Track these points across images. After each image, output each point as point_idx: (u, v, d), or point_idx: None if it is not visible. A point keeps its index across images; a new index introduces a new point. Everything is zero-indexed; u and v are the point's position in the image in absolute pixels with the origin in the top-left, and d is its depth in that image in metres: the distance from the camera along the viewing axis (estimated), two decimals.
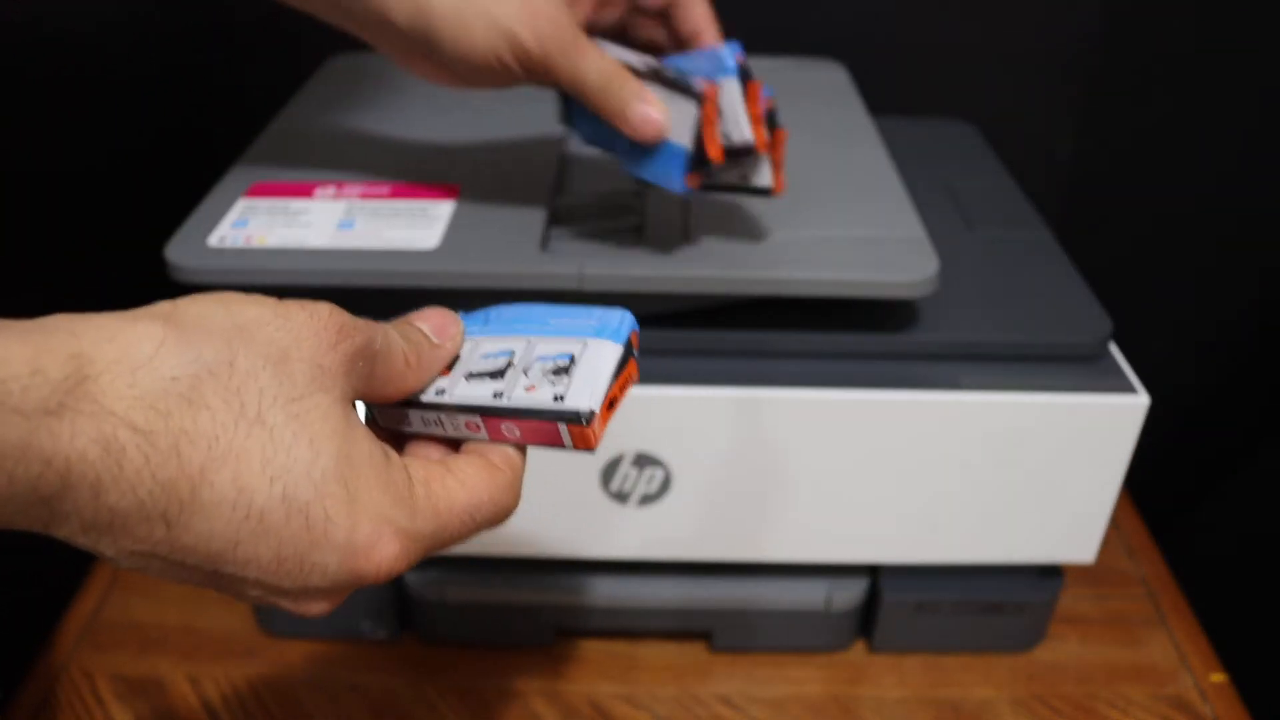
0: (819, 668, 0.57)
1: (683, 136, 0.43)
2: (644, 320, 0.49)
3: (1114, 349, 0.51)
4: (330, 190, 0.51)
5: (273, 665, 0.57)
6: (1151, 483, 0.69)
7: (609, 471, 0.50)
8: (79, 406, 0.23)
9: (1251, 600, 0.68)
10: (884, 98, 0.67)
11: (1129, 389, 0.48)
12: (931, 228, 0.50)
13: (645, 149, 0.44)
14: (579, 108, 0.44)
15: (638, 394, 0.47)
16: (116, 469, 0.23)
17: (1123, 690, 0.57)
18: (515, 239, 0.48)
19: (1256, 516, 0.72)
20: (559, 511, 0.51)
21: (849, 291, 0.46)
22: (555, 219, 0.50)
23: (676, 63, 0.45)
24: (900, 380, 0.48)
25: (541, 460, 0.49)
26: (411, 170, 0.53)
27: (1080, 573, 0.62)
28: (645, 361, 0.49)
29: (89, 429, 0.23)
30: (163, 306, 0.26)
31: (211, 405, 0.25)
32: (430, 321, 0.33)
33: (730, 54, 0.44)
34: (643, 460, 0.49)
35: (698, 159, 0.43)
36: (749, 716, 0.55)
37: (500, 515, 0.32)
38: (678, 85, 0.42)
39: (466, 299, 0.49)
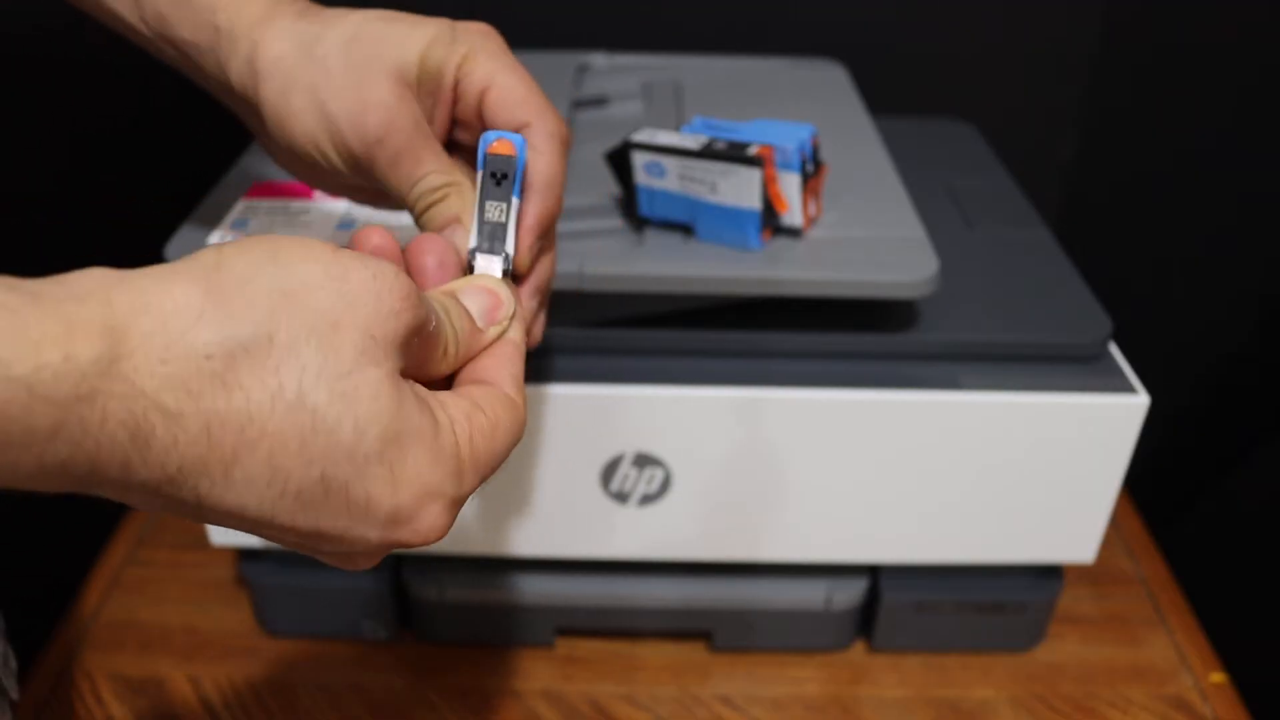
0: (819, 667, 0.57)
1: (752, 199, 0.46)
2: (644, 320, 0.49)
3: (1114, 349, 0.51)
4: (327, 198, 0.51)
5: (273, 665, 0.57)
6: (1151, 483, 0.69)
7: (609, 471, 0.50)
8: (110, 389, 0.22)
9: (1251, 600, 0.68)
10: (884, 98, 0.67)
11: (1129, 389, 0.48)
12: (931, 228, 0.50)
13: (719, 218, 0.47)
14: (645, 190, 0.48)
15: (638, 394, 0.47)
16: (145, 449, 0.22)
17: (1122, 690, 0.57)
18: None
19: (1256, 516, 0.72)
20: (559, 511, 0.51)
21: (849, 291, 0.46)
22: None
23: (741, 132, 0.47)
24: (900, 380, 0.48)
25: (542, 460, 0.49)
26: None
27: (1080, 573, 0.62)
28: (646, 361, 0.49)
29: (118, 412, 0.22)
30: (207, 257, 0.24)
31: (246, 386, 0.23)
32: (480, 302, 0.32)
33: (797, 149, 0.46)
34: (643, 460, 0.49)
35: (767, 215, 0.46)
36: (749, 716, 0.55)
37: (512, 448, 0.31)
38: (733, 155, 0.45)
39: None
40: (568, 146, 0.36)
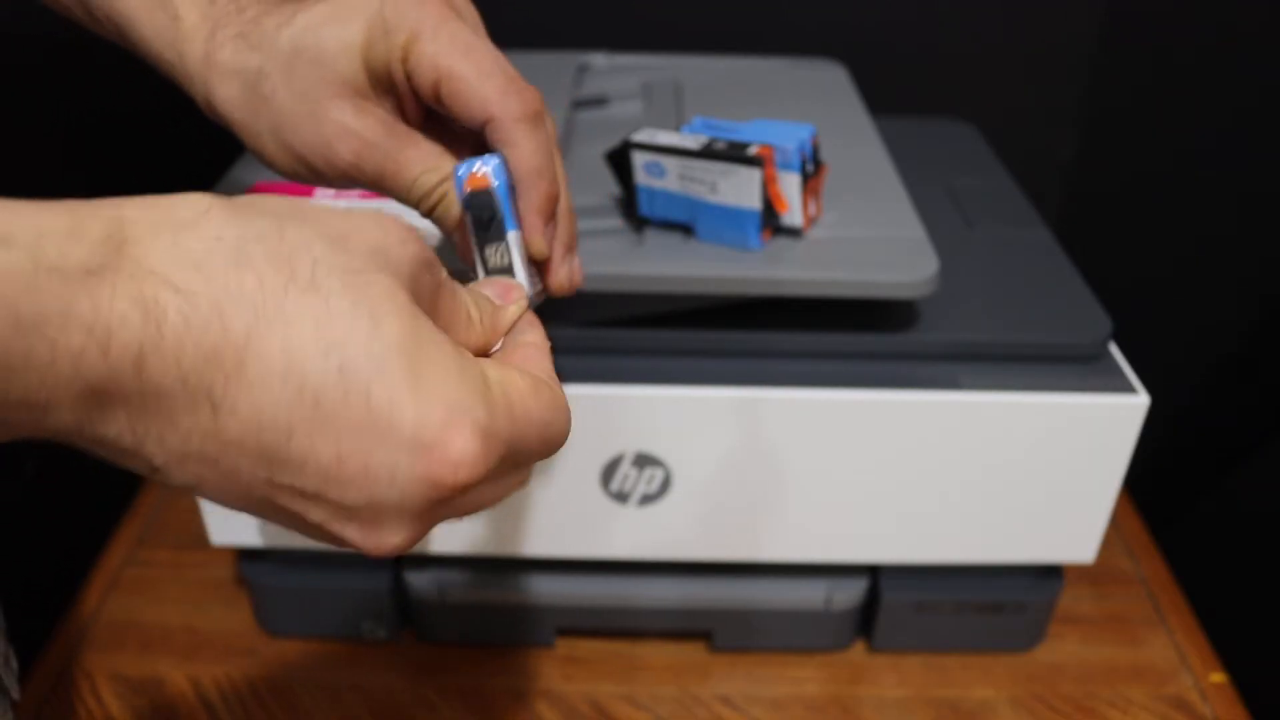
0: (819, 667, 0.57)
1: (752, 199, 0.45)
2: (644, 320, 0.49)
3: (1114, 349, 0.51)
4: (330, 190, 0.51)
5: (273, 665, 0.57)
6: (1151, 483, 0.69)
7: (609, 471, 0.50)
8: (119, 265, 0.21)
9: (1251, 600, 0.68)
10: (884, 98, 0.67)
11: (1129, 389, 0.48)
12: (931, 228, 0.50)
13: (719, 218, 0.47)
14: (645, 190, 0.48)
15: (638, 394, 0.47)
16: (157, 335, 0.21)
17: (1122, 690, 0.57)
18: None
19: (1256, 516, 0.72)
20: (559, 511, 0.51)
21: (849, 291, 0.46)
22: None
23: (741, 132, 0.47)
24: (900, 380, 0.48)
25: (542, 460, 0.49)
26: None
27: (1080, 573, 0.62)
28: (646, 361, 0.49)
29: (129, 289, 0.21)
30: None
31: (259, 268, 0.23)
32: (491, 288, 0.31)
33: (797, 149, 0.46)
34: (643, 460, 0.49)
35: (767, 215, 0.46)
36: (749, 716, 0.55)
37: (559, 442, 0.29)
38: (733, 155, 0.45)
39: None
40: (542, 118, 0.34)
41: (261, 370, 0.22)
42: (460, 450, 0.24)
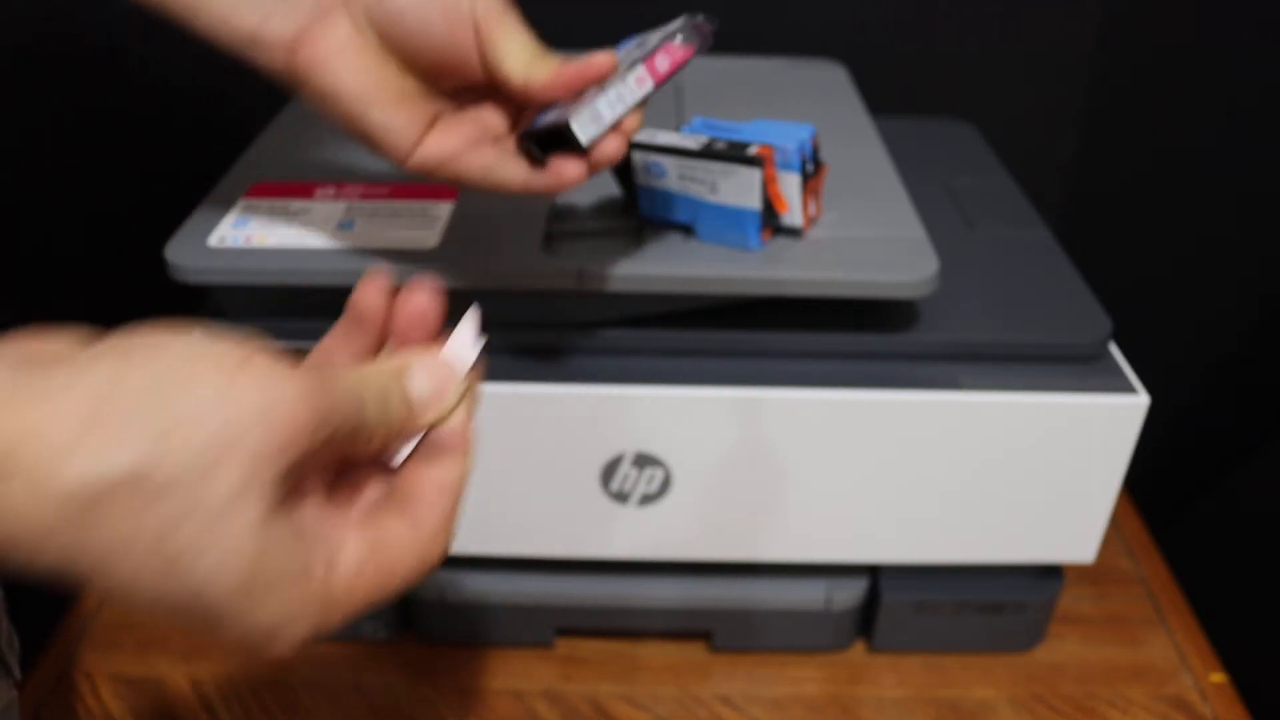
0: (819, 667, 0.57)
1: (751, 199, 0.45)
2: (644, 320, 0.49)
3: (1114, 349, 0.51)
4: (330, 190, 0.51)
5: (273, 665, 0.57)
6: (1151, 483, 0.69)
7: (609, 471, 0.50)
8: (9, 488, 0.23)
9: (1251, 600, 0.68)
10: (884, 98, 0.67)
11: (1129, 389, 0.48)
12: (931, 228, 0.50)
13: (719, 218, 0.47)
14: (645, 190, 0.48)
15: (638, 394, 0.47)
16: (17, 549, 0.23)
17: (1122, 690, 0.57)
18: (515, 239, 0.48)
19: (1256, 516, 0.72)
20: (559, 511, 0.51)
21: (849, 291, 0.46)
22: (554, 219, 0.50)
23: (741, 132, 0.47)
24: (900, 380, 0.48)
25: (542, 460, 0.49)
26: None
27: (1080, 573, 0.62)
28: (646, 361, 0.49)
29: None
30: (103, 371, 0.24)
31: (114, 525, 0.23)
32: (426, 384, 0.30)
33: (797, 149, 0.46)
34: (643, 460, 0.49)
35: (767, 215, 0.46)
36: (749, 716, 0.55)
37: (418, 576, 0.30)
38: (733, 155, 0.45)
39: (466, 299, 0.49)
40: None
41: (110, 585, 0.24)
42: (285, 643, 0.27)
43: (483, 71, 0.38)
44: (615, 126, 0.37)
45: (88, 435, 0.23)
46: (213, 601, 0.25)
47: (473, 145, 0.39)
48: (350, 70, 0.38)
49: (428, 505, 0.30)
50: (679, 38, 0.38)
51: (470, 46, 0.37)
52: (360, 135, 0.39)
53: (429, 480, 0.30)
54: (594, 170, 0.38)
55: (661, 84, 0.37)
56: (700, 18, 0.38)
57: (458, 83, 0.39)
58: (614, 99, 0.37)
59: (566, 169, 0.37)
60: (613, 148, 0.37)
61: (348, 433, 0.27)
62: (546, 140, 0.37)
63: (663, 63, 0.37)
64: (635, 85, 0.37)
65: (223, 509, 0.24)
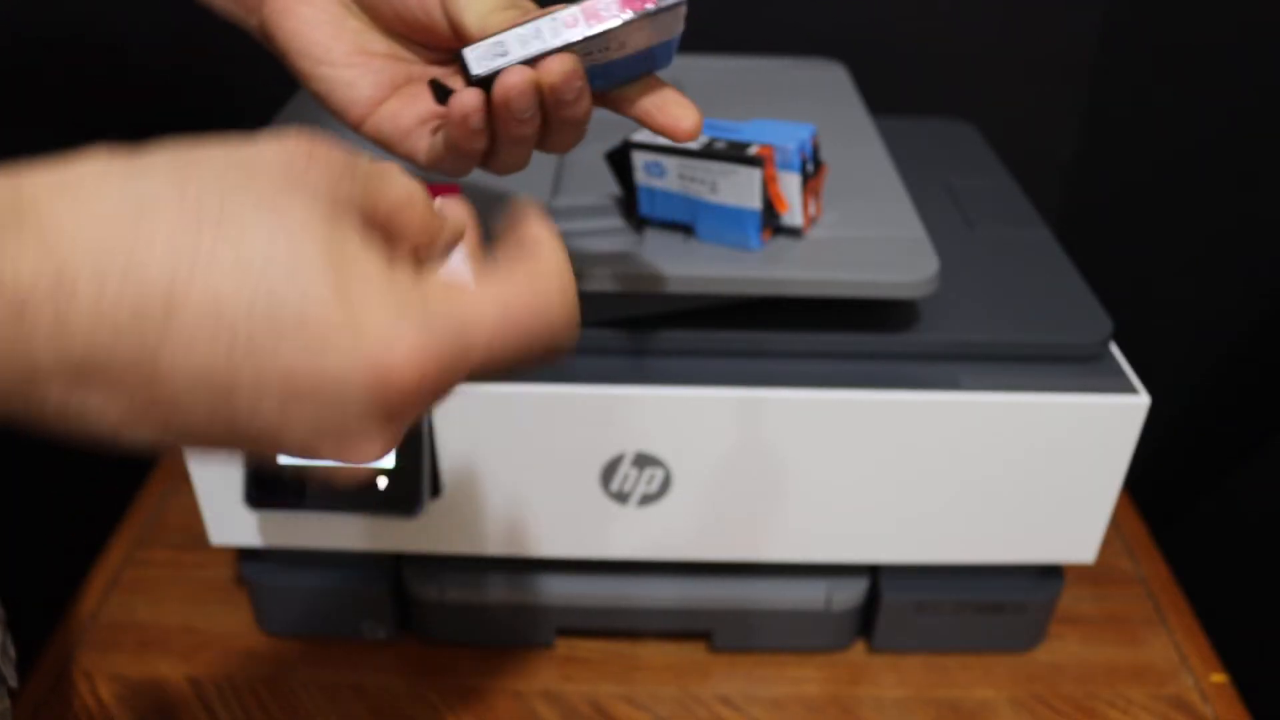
0: (819, 667, 0.57)
1: (751, 199, 0.45)
2: (644, 320, 0.49)
3: (1114, 349, 0.51)
4: None
5: (273, 665, 0.57)
6: (1152, 483, 0.69)
7: (609, 471, 0.50)
8: (20, 230, 0.21)
9: (1251, 600, 0.68)
10: (884, 98, 0.67)
11: (1129, 389, 0.48)
12: (931, 228, 0.50)
13: (719, 218, 0.47)
14: (645, 189, 0.47)
15: (638, 394, 0.47)
16: (70, 300, 0.21)
17: (1123, 690, 0.57)
18: None
19: (1256, 516, 0.72)
20: (559, 511, 0.51)
21: (849, 291, 0.46)
22: (554, 218, 0.50)
23: (741, 132, 0.47)
24: (900, 380, 0.48)
25: (542, 461, 0.49)
26: (411, 170, 0.53)
27: (1080, 573, 0.62)
28: (646, 361, 0.49)
29: (35, 254, 0.21)
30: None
31: (168, 217, 0.22)
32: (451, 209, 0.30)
33: (797, 149, 0.46)
34: (643, 460, 0.49)
35: (767, 215, 0.46)
36: (749, 716, 0.55)
37: (546, 325, 0.28)
38: (733, 154, 0.45)
39: None
40: None
41: (190, 318, 0.22)
42: (404, 354, 0.24)
43: (450, 30, 0.36)
44: (530, 64, 0.34)
45: (113, 163, 0.23)
46: (305, 286, 0.23)
47: (425, 124, 0.37)
48: (311, 22, 0.37)
49: (538, 246, 0.29)
50: None
51: (436, 4, 0.36)
52: (315, 92, 0.38)
53: (530, 236, 0.30)
54: (498, 108, 0.34)
55: (602, 35, 0.34)
56: None
57: (429, 43, 0.38)
58: (529, 34, 0.34)
59: (460, 98, 0.34)
60: (512, 79, 0.33)
61: (374, 172, 0.27)
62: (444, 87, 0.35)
63: (607, 8, 0.34)
64: (563, 27, 0.34)
65: (278, 190, 0.23)
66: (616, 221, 0.50)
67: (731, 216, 0.46)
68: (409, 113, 0.37)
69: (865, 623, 0.58)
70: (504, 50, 0.34)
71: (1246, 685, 0.57)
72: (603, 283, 0.46)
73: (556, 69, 0.33)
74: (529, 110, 0.34)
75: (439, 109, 0.36)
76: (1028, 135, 0.77)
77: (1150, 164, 0.77)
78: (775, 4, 0.73)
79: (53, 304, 0.21)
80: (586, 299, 0.47)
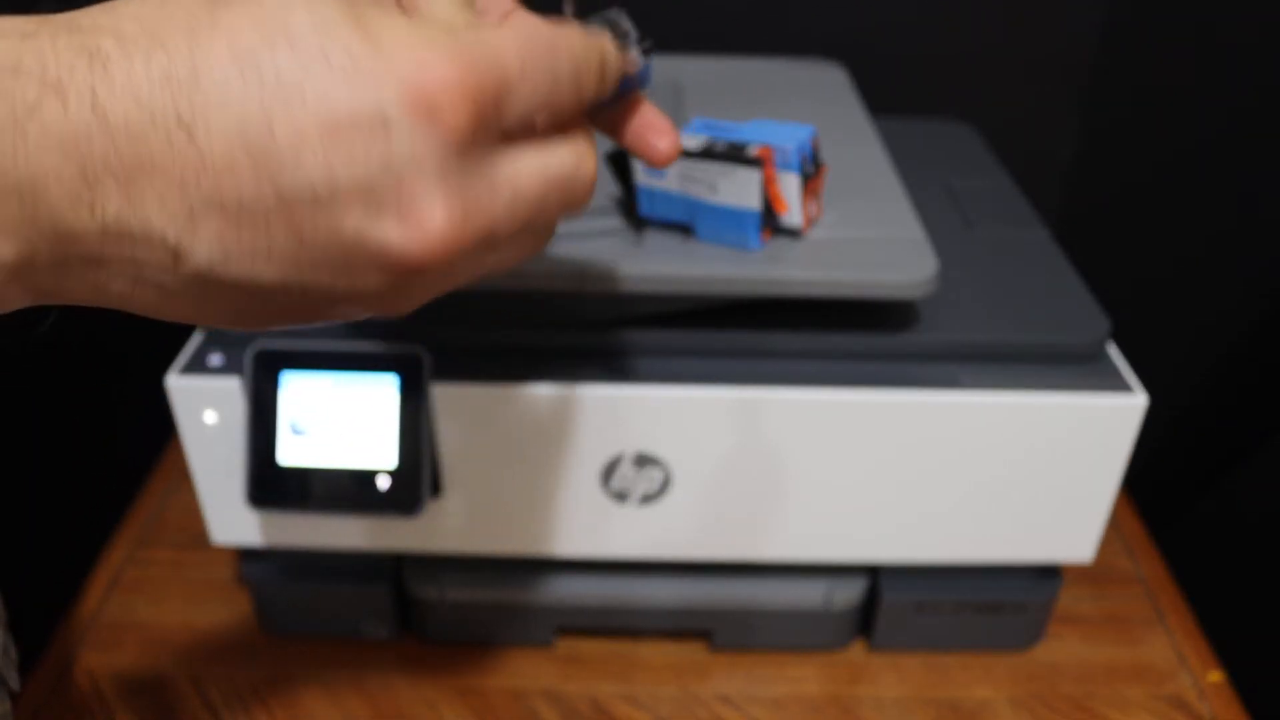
0: (819, 667, 0.58)
1: (751, 200, 0.45)
2: (644, 320, 0.49)
3: (1113, 349, 0.51)
4: None
5: (273, 665, 0.57)
6: (1151, 483, 0.69)
7: (609, 471, 0.50)
8: (54, 27, 0.22)
9: (1250, 600, 0.68)
10: (884, 98, 0.67)
11: (1127, 389, 0.48)
12: (931, 228, 0.50)
13: (719, 218, 0.47)
14: (645, 190, 0.48)
15: (638, 394, 0.47)
16: (105, 75, 0.22)
17: (1121, 690, 0.57)
18: None
19: (1256, 516, 0.72)
20: (559, 511, 0.51)
21: (849, 292, 0.46)
22: None
23: (741, 132, 0.47)
24: (900, 380, 0.48)
25: (542, 460, 0.50)
26: None
27: (1079, 572, 0.62)
28: (646, 361, 0.49)
29: (69, 42, 0.22)
30: None
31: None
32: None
33: (797, 150, 0.46)
34: (643, 460, 0.49)
35: (767, 216, 0.46)
36: (749, 716, 0.55)
37: (568, 48, 0.27)
38: (733, 155, 0.45)
39: (466, 299, 0.49)
40: None
41: (216, 76, 0.22)
42: (441, 71, 0.23)
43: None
44: None
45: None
46: (323, 25, 0.23)
47: None
48: None
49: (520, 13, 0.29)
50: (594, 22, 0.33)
51: None
52: None
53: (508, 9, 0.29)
54: None
55: None
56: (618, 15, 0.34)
57: None
58: None
59: None
60: None
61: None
62: None
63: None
64: None
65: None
66: (616, 222, 0.50)
67: (731, 217, 0.46)
68: None
69: (865, 622, 0.58)
70: None
71: (1245, 685, 0.57)
72: (603, 283, 0.46)
73: None
74: None
75: None
76: (1027, 136, 0.77)
77: (1150, 164, 0.77)
78: (775, 4, 0.73)
79: (89, 85, 0.21)
80: (587, 299, 0.47)
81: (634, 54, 0.33)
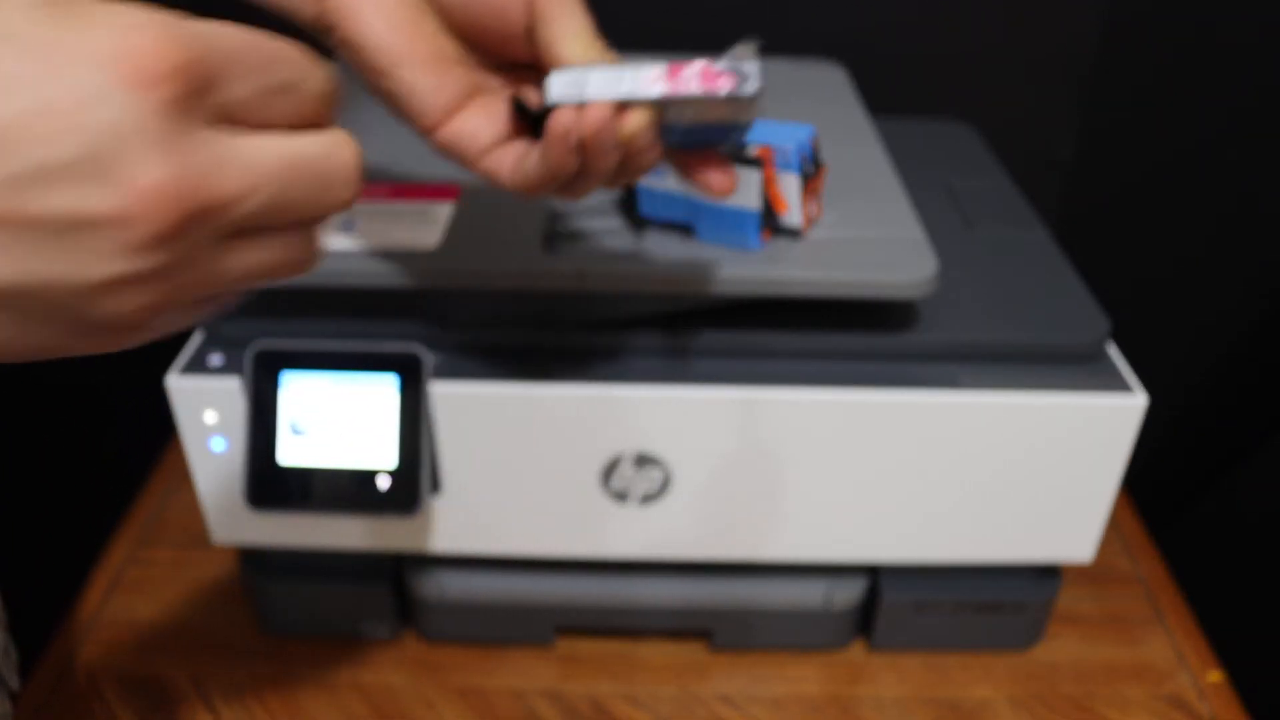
0: (818, 667, 0.58)
1: (751, 200, 0.46)
2: (644, 320, 0.49)
3: (1112, 349, 0.51)
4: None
5: (273, 665, 0.57)
6: (1151, 483, 0.69)
7: (609, 471, 0.50)
8: None
9: (1249, 600, 0.68)
10: (884, 98, 0.67)
11: (1127, 389, 0.48)
12: (931, 228, 0.50)
13: (719, 218, 0.47)
14: (645, 190, 0.48)
15: (638, 394, 0.47)
16: None
17: (1121, 689, 0.57)
18: (515, 239, 0.48)
19: (1255, 516, 0.72)
20: (559, 511, 0.51)
21: (849, 292, 0.46)
22: (554, 219, 0.50)
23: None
24: (900, 380, 0.48)
25: (542, 460, 0.50)
26: (412, 171, 0.53)
27: (1079, 572, 0.62)
28: (646, 361, 0.49)
29: None
30: None
31: None
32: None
33: (796, 150, 0.46)
34: (643, 460, 0.49)
35: (766, 216, 0.46)
36: (749, 715, 0.55)
37: (288, 52, 0.26)
38: (732, 155, 0.45)
39: (467, 299, 0.49)
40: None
41: None
42: (148, 42, 0.23)
43: (528, 49, 0.35)
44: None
45: None
46: (38, 18, 0.22)
47: (503, 143, 0.36)
48: (382, 19, 0.35)
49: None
50: (723, 63, 0.35)
51: (520, 17, 0.35)
52: (385, 94, 0.36)
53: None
54: (588, 138, 0.34)
55: (679, 99, 0.34)
56: (749, 48, 0.35)
57: (500, 56, 0.37)
58: (613, 78, 0.34)
59: (563, 115, 0.34)
60: (597, 114, 0.33)
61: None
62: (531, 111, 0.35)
63: (688, 77, 0.34)
64: (646, 80, 0.34)
65: None
66: (616, 222, 0.50)
67: (731, 217, 0.47)
68: (488, 130, 0.36)
69: (865, 622, 0.58)
70: (585, 84, 0.34)
71: (1244, 684, 0.57)
72: (603, 283, 0.46)
73: (635, 122, 0.34)
74: (609, 146, 0.34)
75: (514, 127, 0.36)
76: (1027, 135, 0.77)
77: (1150, 164, 0.77)
78: (775, 4, 0.73)
79: None
80: (587, 299, 0.47)
81: (737, 99, 0.34)
